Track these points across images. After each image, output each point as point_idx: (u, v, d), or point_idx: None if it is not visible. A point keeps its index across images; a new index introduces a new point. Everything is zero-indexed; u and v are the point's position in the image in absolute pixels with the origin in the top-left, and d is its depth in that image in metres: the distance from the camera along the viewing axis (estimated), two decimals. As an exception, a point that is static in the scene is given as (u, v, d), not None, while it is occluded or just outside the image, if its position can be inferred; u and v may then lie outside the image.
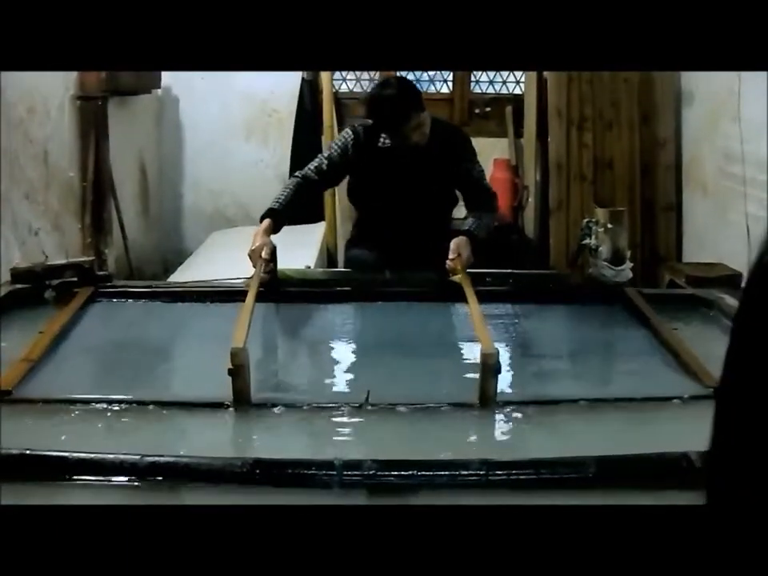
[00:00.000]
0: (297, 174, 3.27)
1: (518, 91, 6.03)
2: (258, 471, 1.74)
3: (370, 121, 3.24)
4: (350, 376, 2.51)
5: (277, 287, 2.97)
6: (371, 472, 1.73)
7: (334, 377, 2.50)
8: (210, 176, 6.05)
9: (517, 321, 2.92)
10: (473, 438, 2.15)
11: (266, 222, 3.01)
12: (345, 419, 2.11)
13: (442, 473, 1.77)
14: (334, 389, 2.40)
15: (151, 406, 2.13)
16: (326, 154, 3.28)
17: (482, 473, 1.74)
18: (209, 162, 6.03)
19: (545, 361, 2.57)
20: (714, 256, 4.02)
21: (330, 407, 2.14)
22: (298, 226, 4.02)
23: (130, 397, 2.18)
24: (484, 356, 2.11)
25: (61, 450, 1.84)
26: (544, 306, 3.02)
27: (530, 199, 5.65)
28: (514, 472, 1.76)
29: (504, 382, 2.26)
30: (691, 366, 2.34)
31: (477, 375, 2.15)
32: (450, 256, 2.99)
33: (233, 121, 6.00)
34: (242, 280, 3.01)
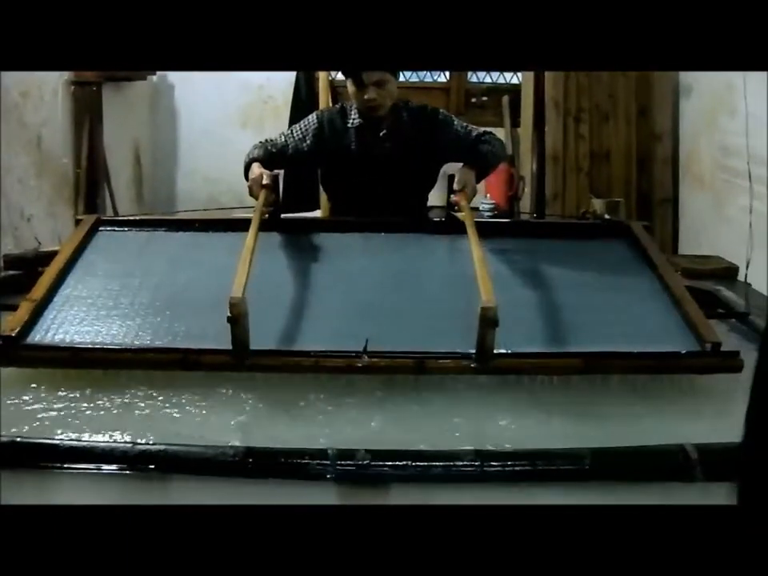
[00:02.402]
0: (255, 149, 3.17)
1: (515, 81, 6.01)
2: (250, 460, 1.73)
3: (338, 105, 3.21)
4: (349, 321, 2.40)
5: (279, 217, 2.91)
6: (365, 462, 1.72)
7: (334, 322, 2.39)
8: (205, 163, 6.02)
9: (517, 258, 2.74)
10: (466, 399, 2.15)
11: (256, 163, 2.98)
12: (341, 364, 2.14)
13: (437, 464, 1.75)
14: (333, 335, 2.32)
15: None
16: (285, 132, 3.22)
17: (476, 464, 1.73)
18: (204, 149, 6.00)
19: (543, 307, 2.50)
20: (710, 249, 4.01)
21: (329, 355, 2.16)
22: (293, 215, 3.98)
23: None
24: (483, 309, 2.05)
25: (51, 437, 1.83)
26: (544, 240, 2.86)
27: (525, 189, 5.63)
28: (509, 463, 1.75)
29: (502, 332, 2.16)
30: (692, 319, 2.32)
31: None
32: (456, 187, 2.84)
33: (228, 108, 5.98)
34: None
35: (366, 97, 3.03)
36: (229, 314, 2.04)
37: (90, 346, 2.22)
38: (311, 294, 2.51)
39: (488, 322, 2.06)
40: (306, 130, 3.16)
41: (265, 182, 2.82)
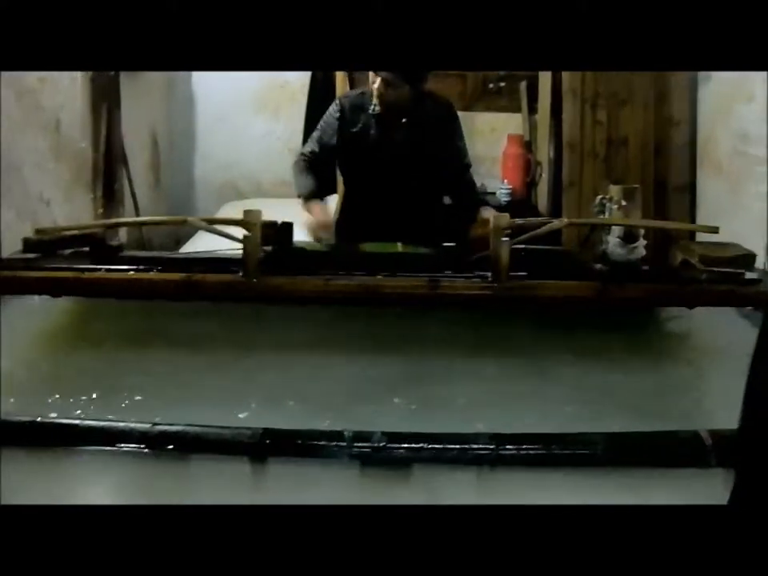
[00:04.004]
0: (300, 163, 3.25)
1: (532, 67, 6.00)
2: (267, 441, 1.75)
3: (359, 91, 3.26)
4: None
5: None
6: (381, 444, 1.73)
7: None
8: (221, 149, 6.03)
9: None
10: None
11: (315, 200, 3.03)
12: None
13: (453, 446, 1.76)
14: None
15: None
16: (315, 136, 3.27)
17: (491, 447, 1.74)
18: (220, 134, 6.01)
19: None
20: (727, 235, 3.99)
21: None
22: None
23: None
24: (495, 219, 2.07)
25: (70, 417, 1.85)
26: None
27: (542, 175, 5.62)
28: (524, 446, 1.76)
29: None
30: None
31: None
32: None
33: (244, 93, 5.97)
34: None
35: (374, 86, 3.09)
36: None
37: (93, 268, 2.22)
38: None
39: (500, 231, 2.05)
40: (329, 123, 3.21)
41: (326, 225, 2.89)
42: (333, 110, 3.23)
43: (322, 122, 3.26)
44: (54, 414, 1.88)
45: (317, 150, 3.23)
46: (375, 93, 3.09)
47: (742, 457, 0.91)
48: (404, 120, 3.18)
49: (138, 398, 2.08)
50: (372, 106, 3.16)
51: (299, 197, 3.14)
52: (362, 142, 3.18)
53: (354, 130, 3.19)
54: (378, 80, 3.05)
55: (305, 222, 2.95)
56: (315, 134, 3.27)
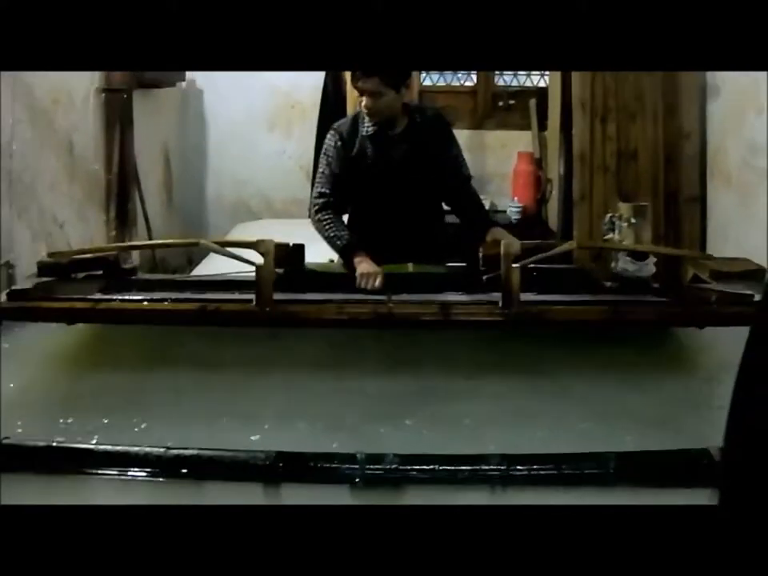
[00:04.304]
0: (320, 212, 3.19)
1: (542, 84, 6.01)
2: (281, 465, 1.76)
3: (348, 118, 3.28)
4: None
5: None
6: (393, 466, 1.74)
7: None
8: (234, 168, 6.07)
9: None
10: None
11: (361, 259, 2.97)
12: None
13: (464, 467, 1.77)
14: None
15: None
16: (321, 173, 3.24)
17: (502, 467, 1.75)
18: (232, 153, 6.05)
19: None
20: (737, 250, 4.00)
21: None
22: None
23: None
24: (506, 246, 2.08)
25: (85, 443, 1.87)
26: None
27: (553, 192, 5.63)
28: (535, 467, 1.77)
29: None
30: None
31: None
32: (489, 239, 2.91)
33: (256, 112, 6.02)
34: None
35: (362, 104, 3.12)
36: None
37: (107, 298, 2.24)
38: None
39: (510, 257, 2.06)
40: (330, 154, 3.21)
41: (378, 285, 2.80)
42: (331, 140, 3.24)
43: (323, 157, 3.26)
44: (61, 439, 1.90)
45: (328, 187, 3.20)
46: (364, 109, 3.12)
47: (725, 478, 0.91)
48: (397, 132, 3.20)
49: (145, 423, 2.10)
50: (365, 128, 3.20)
51: (339, 254, 3.12)
52: (361, 163, 3.19)
53: (353, 154, 3.19)
54: (365, 96, 3.07)
55: (358, 274, 2.87)
56: (321, 171, 3.25)
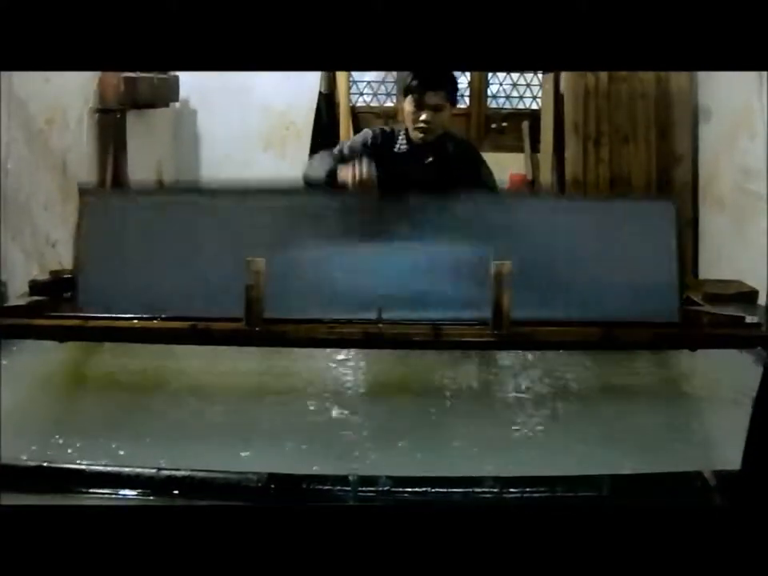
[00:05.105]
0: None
1: (534, 106, 6.03)
2: (272, 486, 1.75)
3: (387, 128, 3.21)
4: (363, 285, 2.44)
5: None
6: (386, 488, 1.73)
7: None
8: (227, 187, 6.06)
9: None
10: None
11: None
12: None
13: (457, 490, 1.76)
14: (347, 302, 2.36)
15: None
16: (345, 144, 3.19)
17: (495, 490, 1.74)
18: (226, 174, 6.04)
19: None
20: (730, 273, 4.00)
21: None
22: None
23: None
24: (497, 266, 2.06)
25: (76, 463, 1.86)
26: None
27: (546, 213, 5.63)
28: (528, 489, 1.76)
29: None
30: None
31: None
32: None
33: (250, 133, 6.02)
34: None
35: (422, 118, 3.03)
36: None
37: (96, 315, 2.24)
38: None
39: (502, 279, 2.06)
40: (355, 146, 3.13)
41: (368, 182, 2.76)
42: (366, 135, 3.17)
43: (345, 143, 3.21)
44: (47, 461, 1.88)
45: (346, 152, 3.11)
46: (423, 124, 3.03)
47: (743, 500, 0.91)
48: (429, 160, 3.13)
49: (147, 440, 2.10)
50: (398, 145, 3.14)
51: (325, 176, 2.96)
52: (389, 174, 3.01)
53: (382, 160, 3.01)
54: (424, 111, 3.00)
55: (344, 177, 2.82)
56: (345, 144, 3.20)
